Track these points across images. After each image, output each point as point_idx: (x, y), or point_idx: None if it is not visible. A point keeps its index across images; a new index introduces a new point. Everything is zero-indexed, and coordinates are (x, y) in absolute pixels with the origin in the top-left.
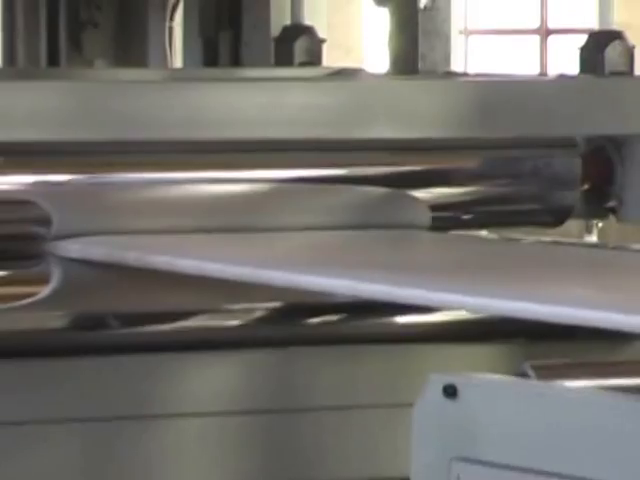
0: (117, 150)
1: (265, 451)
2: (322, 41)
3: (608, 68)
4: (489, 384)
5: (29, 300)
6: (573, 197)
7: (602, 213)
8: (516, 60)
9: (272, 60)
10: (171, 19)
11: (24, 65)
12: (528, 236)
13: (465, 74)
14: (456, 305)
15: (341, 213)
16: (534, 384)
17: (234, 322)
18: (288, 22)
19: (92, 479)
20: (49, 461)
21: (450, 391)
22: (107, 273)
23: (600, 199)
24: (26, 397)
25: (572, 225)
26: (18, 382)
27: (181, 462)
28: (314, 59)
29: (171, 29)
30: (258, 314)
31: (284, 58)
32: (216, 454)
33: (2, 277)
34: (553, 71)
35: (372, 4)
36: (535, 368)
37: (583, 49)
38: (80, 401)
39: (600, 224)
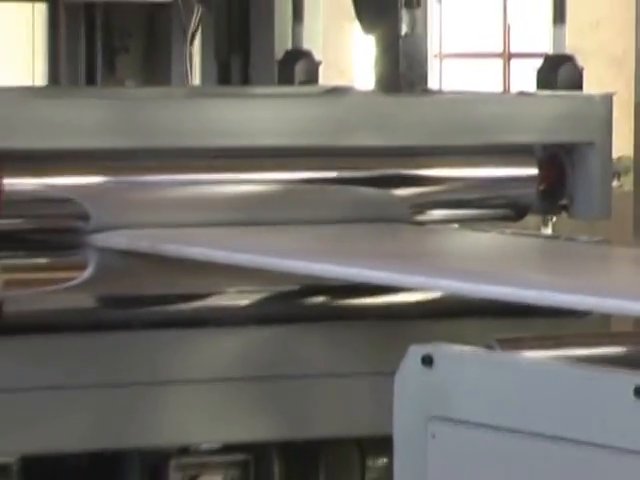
0: (145, 156)
1: (268, 411)
2: (318, 63)
3: (560, 87)
4: (461, 355)
5: (70, 283)
6: (531, 196)
7: (556, 210)
8: (483, 80)
9: (276, 80)
10: (190, 45)
11: (66, 84)
12: (493, 229)
13: (440, 92)
14: (431, 287)
15: (336, 209)
16: (498, 355)
17: (239, 302)
18: (290, 47)
19: (120, 433)
20: (86, 420)
21: (427, 360)
22: (136, 261)
23: (554, 198)
24: (65, 365)
25: (531, 220)
26: (57, 352)
27: (193, 419)
28: (312, 79)
29: (190, 53)
30: (262, 295)
31: (286, 78)
32: (225, 413)
33: (47, 264)
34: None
35: (361, 32)
36: (500, 341)
37: (540, 70)
38: (110, 368)
39: (554, 219)
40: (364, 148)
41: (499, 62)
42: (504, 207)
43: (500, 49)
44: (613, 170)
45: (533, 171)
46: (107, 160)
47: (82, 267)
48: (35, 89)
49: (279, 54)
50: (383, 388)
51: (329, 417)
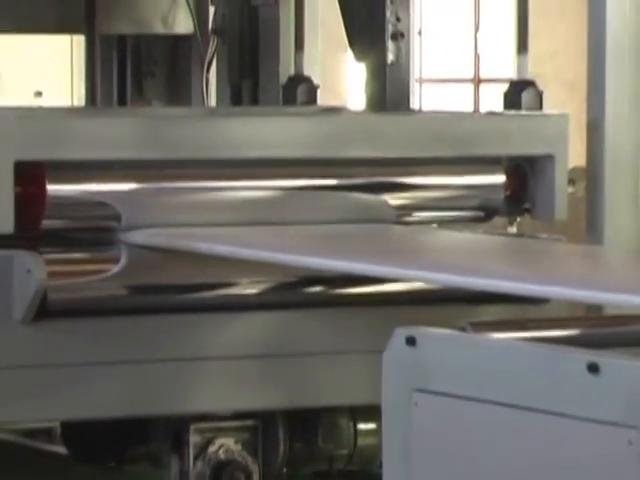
0: (168, 165)
1: (274, 383)
2: (317, 87)
3: (524, 107)
4: (439, 336)
5: (104, 274)
6: (499, 200)
7: (520, 212)
8: (457, 101)
9: (281, 101)
10: (207, 71)
11: (101, 105)
12: (467, 228)
13: (420, 111)
14: (413, 278)
15: (331, 212)
16: (471, 336)
17: (248, 291)
18: (292, 73)
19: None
20: (118, 390)
21: (411, 341)
22: (161, 255)
23: (518, 202)
24: (100, 344)
25: (498, 221)
26: (93, 333)
27: (210, 390)
28: (311, 100)
29: (207, 79)
30: (268, 285)
31: (289, 99)
32: (237, 385)
33: (85, 257)
34: (484, 109)
35: (353, 60)
36: (472, 325)
37: (506, 93)
38: (138, 347)
39: (518, 220)
40: (356, 159)
41: (470, 86)
42: (476, 210)
43: (471, 75)
44: (568, 178)
45: (500, 179)
46: (136, 169)
47: (115, 261)
48: (75, 109)
49: (283, 79)
50: (373, 364)
51: (326, 388)
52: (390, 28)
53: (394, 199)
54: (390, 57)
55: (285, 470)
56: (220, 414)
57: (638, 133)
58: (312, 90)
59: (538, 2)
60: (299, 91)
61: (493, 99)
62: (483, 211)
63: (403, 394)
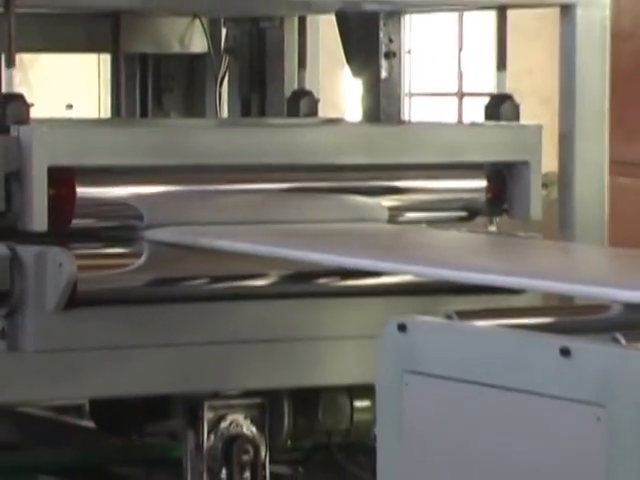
0: (185, 170)
1: (280, 365)
2: (318, 100)
3: (503, 119)
4: (427, 323)
5: (127, 268)
6: (481, 202)
7: (499, 212)
8: (442, 113)
9: (285, 113)
10: (220, 86)
11: (125, 116)
12: (452, 227)
13: (410, 122)
14: (404, 271)
15: (330, 212)
16: (456, 324)
17: (255, 282)
18: (296, 88)
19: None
20: (140, 371)
21: (402, 328)
22: (178, 250)
23: (498, 203)
24: (123, 329)
25: (480, 220)
26: (117, 320)
27: (222, 371)
28: (313, 112)
29: (220, 93)
30: (276, 277)
31: (293, 112)
32: (246, 366)
33: (110, 253)
34: (467, 120)
35: (350, 76)
36: (457, 313)
37: (487, 107)
38: (158, 332)
39: (498, 219)
40: (352, 165)
41: (454, 100)
42: (460, 210)
43: (455, 90)
44: (542, 182)
45: (482, 183)
46: (156, 173)
47: (137, 256)
48: (101, 120)
49: (288, 93)
50: (368, 348)
51: (326, 369)
52: (383, 48)
53: (386, 201)
54: (383, 74)
55: (289, 443)
56: (231, 393)
57: (603, 142)
58: (313, 103)
59: (516, 24)
60: (302, 104)
61: (475, 111)
62: (466, 211)
63: (395, 375)
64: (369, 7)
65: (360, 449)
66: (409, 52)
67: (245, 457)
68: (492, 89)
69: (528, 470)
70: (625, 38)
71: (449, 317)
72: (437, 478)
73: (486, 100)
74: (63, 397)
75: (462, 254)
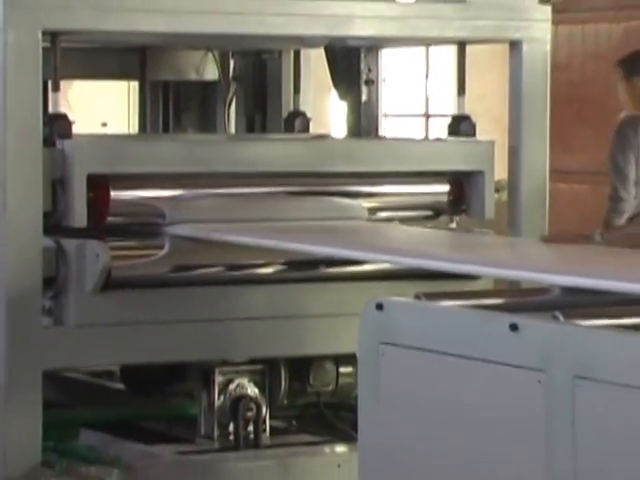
0: (200, 176)
1: (278, 338)
2: (309, 120)
3: (462, 135)
4: (400, 303)
5: (152, 258)
6: (444, 203)
7: (459, 212)
8: (412, 131)
9: (283, 130)
10: (229, 107)
11: (150, 132)
12: (419, 224)
13: (385, 138)
14: (381, 260)
15: (318, 211)
16: (424, 303)
17: (261, 270)
18: (291, 109)
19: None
20: (161, 342)
21: (379, 306)
22: (195, 243)
23: (458, 205)
24: (147, 308)
25: (443, 219)
26: (144, 301)
27: (230, 343)
28: (305, 129)
29: (229, 113)
30: (276, 265)
31: (289, 129)
32: (250, 338)
33: (138, 245)
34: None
35: (337, 99)
36: (425, 295)
37: (449, 125)
38: (177, 311)
39: (457, 218)
40: (337, 172)
41: (422, 120)
42: (426, 210)
43: (423, 111)
44: (495, 187)
45: (445, 188)
46: (176, 179)
47: (161, 247)
48: (131, 135)
49: (285, 114)
50: (351, 324)
51: (317, 341)
52: (364, 76)
53: (365, 202)
54: (364, 97)
55: (285, 402)
56: (238, 361)
57: (544, 154)
58: (306, 122)
59: (472, 57)
60: (296, 123)
61: (439, 129)
62: (432, 211)
63: (373, 346)
64: (352, 43)
65: (344, 407)
66: (384, 80)
67: (249, 413)
68: (453, 111)
69: (483, 423)
70: (562, 69)
71: (418, 298)
72: (407, 429)
73: (448, 120)
74: (99, 364)
75: (428, 246)
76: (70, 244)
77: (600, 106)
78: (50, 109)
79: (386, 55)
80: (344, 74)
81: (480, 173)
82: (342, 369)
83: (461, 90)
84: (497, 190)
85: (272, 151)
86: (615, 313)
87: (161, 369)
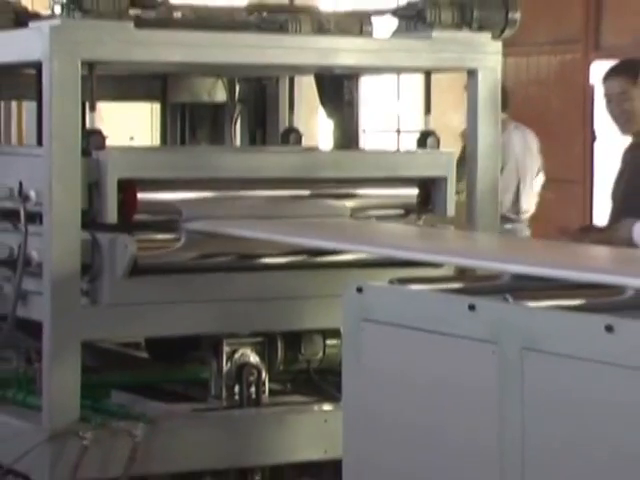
0: (212, 181)
1: (275, 314)
2: (301, 135)
3: (429, 147)
4: (377, 287)
5: (171, 249)
6: (413, 204)
7: (426, 211)
8: (386, 144)
9: (280, 143)
10: (235, 124)
11: (170, 145)
12: (393, 221)
13: (365, 150)
14: (361, 251)
15: (308, 210)
16: (397, 287)
17: (264, 260)
18: (286, 126)
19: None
20: (178, 317)
21: (359, 289)
22: (208, 237)
23: (425, 205)
24: (168, 290)
25: (412, 217)
26: (164, 284)
27: (235, 318)
28: (298, 143)
29: (235, 129)
30: (275, 255)
31: (285, 142)
32: (252, 315)
33: (159, 238)
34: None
35: (324, 116)
36: (398, 280)
37: (417, 139)
38: (190, 293)
39: (424, 217)
40: (325, 178)
41: (395, 134)
42: (399, 209)
43: (395, 128)
44: (455, 190)
45: (414, 191)
46: (192, 183)
47: (178, 240)
48: (154, 147)
49: (281, 130)
50: (336, 304)
51: (307, 317)
52: (346, 98)
53: (348, 203)
54: (346, 116)
55: (281, 368)
56: (242, 334)
57: (496, 163)
58: (298, 137)
59: (436, 82)
60: (291, 137)
61: (409, 143)
62: (403, 210)
63: (355, 323)
64: (337, 71)
65: (330, 372)
66: (364, 102)
67: (251, 378)
68: (420, 127)
69: (446, 388)
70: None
71: (392, 283)
72: (383, 392)
73: (417, 135)
74: (127, 336)
75: (400, 239)
76: (103, 237)
77: (540, 123)
78: (87, 125)
79: (365, 81)
80: (330, 97)
81: (443, 179)
82: (328, 341)
83: (427, 110)
84: (457, 193)
85: (271, 160)
86: (555, 295)
87: (179, 340)
